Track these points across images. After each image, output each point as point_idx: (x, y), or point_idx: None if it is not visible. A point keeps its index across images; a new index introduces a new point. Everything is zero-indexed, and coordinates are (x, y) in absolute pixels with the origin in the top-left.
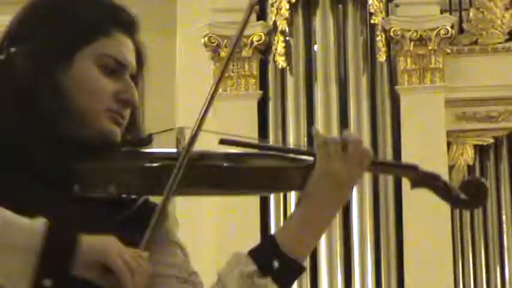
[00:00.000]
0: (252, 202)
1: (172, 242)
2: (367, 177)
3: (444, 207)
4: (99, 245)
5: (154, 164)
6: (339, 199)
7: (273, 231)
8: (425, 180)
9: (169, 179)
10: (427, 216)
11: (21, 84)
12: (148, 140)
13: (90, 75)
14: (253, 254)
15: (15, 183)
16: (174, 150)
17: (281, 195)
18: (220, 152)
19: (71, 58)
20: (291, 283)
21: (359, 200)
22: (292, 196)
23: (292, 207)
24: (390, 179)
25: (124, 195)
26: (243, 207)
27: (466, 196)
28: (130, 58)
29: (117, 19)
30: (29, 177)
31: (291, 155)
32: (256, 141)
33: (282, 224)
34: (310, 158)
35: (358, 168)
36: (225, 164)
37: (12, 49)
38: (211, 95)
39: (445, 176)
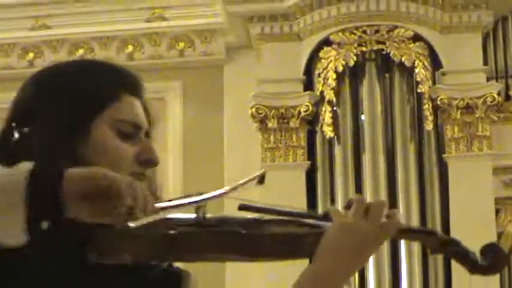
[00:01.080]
0: None
1: None
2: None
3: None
4: (88, 171)
5: (171, 232)
6: (353, 256)
7: None
8: (444, 245)
9: (187, 244)
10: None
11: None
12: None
13: (109, 143)
14: None
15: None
16: (193, 216)
17: None
18: (238, 217)
19: (87, 128)
20: None
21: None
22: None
23: None
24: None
25: (140, 263)
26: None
27: (484, 262)
28: (143, 118)
29: (125, 82)
30: (48, 245)
31: (310, 221)
32: (274, 207)
33: None
34: (329, 224)
35: (381, 230)
36: (243, 231)
37: (25, 129)
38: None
39: None
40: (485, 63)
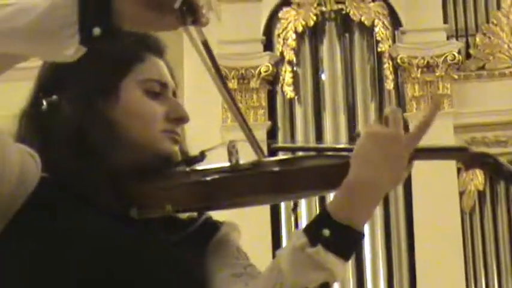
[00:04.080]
0: (263, 214)
1: (226, 245)
2: None
3: (455, 217)
4: None
5: (208, 178)
6: (384, 161)
7: (284, 243)
8: (476, 160)
9: (226, 188)
10: (438, 225)
11: (70, 127)
12: (201, 157)
13: (139, 103)
14: (306, 227)
15: (77, 216)
16: (227, 164)
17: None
18: (271, 159)
19: (116, 90)
20: (348, 249)
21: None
22: (303, 205)
23: (303, 216)
24: (400, 193)
25: (180, 213)
26: (254, 220)
27: None
28: (169, 77)
29: (148, 44)
30: (89, 209)
31: (342, 153)
32: (304, 144)
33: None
34: None
35: (400, 130)
36: (276, 169)
37: (54, 97)
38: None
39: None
40: (446, 21)
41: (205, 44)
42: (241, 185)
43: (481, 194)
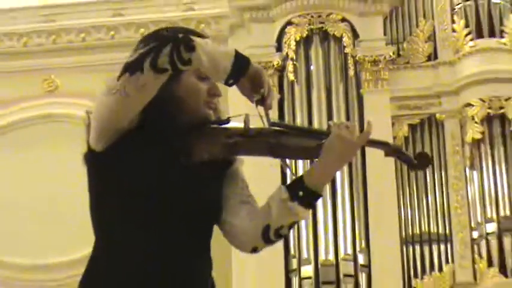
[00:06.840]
0: (273, 174)
1: (236, 176)
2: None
3: (391, 165)
4: (260, 68)
5: (231, 141)
6: (345, 154)
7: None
8: (393, 151)
9: (244, 147)
10: (378, 158)
11: (152, 98)
12: (227, 121)
13: (193, 83)
14: (288, 186)
15: (153, 151)
16: (241, 126)
17: (293, 165)
18: (271, 129)
19: (179, 75)
20: (312, 204)
21: None
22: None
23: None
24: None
25: (210, 159)
26: (265, 178)
27: (417, 162)
28: None
29: None
30: (156, 149)
31: (318, 135)
32: (294, 125)
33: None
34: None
35: (355, 138)
36: (272, 141)
37: None
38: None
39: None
40: (385, 34)
41: (274, 124)
42: (249, 146)
43: (407, 139)
